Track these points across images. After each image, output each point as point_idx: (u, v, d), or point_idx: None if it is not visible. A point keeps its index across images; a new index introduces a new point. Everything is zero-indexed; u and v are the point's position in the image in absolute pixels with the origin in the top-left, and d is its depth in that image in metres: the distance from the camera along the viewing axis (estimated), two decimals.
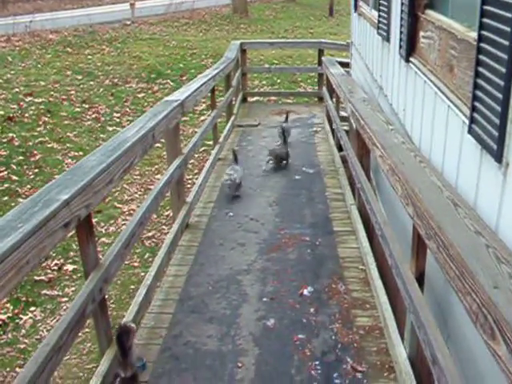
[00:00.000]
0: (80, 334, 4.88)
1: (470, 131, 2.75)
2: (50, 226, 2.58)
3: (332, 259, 4.96)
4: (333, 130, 8.34)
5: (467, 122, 2.81)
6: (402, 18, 4.66)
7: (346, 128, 7.01)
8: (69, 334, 2.82)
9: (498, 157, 2.40)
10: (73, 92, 12.51)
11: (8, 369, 4.78)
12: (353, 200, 5.90)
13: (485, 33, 2.56)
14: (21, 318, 5.50)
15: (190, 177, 8.69)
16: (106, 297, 3.54)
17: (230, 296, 4.41)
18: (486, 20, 2.56)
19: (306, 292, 4.36)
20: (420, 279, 3.07)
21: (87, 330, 5.05)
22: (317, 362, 3.56)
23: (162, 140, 5.78)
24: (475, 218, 2.54)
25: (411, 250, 3.14)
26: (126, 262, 6.10)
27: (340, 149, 7.35)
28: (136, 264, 6.47)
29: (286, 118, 8.67)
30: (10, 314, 5.53)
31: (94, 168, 3.23)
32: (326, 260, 4.96)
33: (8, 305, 5.65)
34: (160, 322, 4.08)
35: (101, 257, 3.38)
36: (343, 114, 7.52)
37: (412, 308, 2.96)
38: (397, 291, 3.47)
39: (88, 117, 11.37)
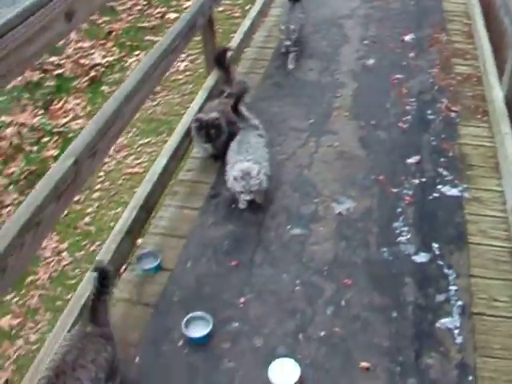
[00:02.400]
0: (180, 77, 5.24)
1: None
2: None
3: (436, 11, 4.89)
4: None
5: None
6: None
7: None
8: (181, 39, 3.11)
9: None
10: None
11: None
12: None
13: None
14: (126, 61, 5.87)
15: None
16: None
17: (331, 37, 4.51)
18: None
19: (407, 38, 4.40)
20: None
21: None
22: (412, 99, 3.76)
23: None
24: None
25: None
26: (227, 12, 6.16)
27: None
28: (237, 14, 6.50)
29: None
30: (116, 57, 5.92)
31: None
32: (429, 11, 4.90)
33: (114, 48, 5.99)
34: (263, 55, 4.34)
35: None
36: None
37: None
38: (502, 36, 3.48)
39: None
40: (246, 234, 2.87)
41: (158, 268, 2.72)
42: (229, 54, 3.69)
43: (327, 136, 3.47)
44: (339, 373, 2.26)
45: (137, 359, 2.37)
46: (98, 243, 3.60)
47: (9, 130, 5.22)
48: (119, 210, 3.94)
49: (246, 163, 2.82)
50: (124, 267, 2.80)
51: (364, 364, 2.30)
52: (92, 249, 3.75)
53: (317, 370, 2.27)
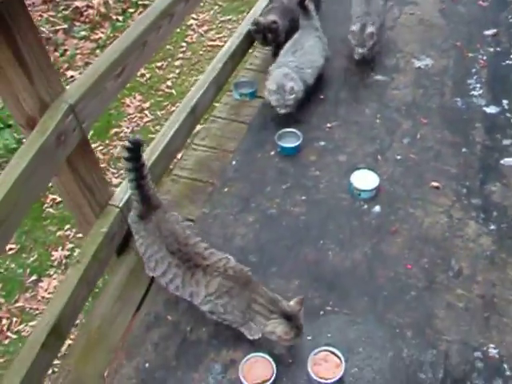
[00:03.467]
0: None
1: None
2: None
3: None
4: None
5: None
6: None
7: None
8: None
9: None
10: None
11: None
12: None
13: None
14: None
15: None
16: None
17: None
18: None
19: None
20: None
21: None
22: None
23: None
24: None
25: None
26: None
27: None
28: None
29: None
30: None
31: None
32: None
33: None
34: None
35: None
36: None
37: None
38: None
39: None
40: (333, 76, 3.17)
41: (254, 95, 3.05)
42: None
43: (409, 6, 3.70)
44: (413, 187, 2.59)
45: (233, 162, 2.73)
46: (178, 104, 3.80)
47: (96, 0, 5.50)
48: (200, 77, 4.27)
49: (282, 73, 2.77)
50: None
51: (434, 183, 2.62)
52: (172, 109, 4.09)
53: (393, 183, 2.60)
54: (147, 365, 2.05)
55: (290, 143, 2.75)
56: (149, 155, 2.44)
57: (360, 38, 3.05)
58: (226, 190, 2.59)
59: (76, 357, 2.13)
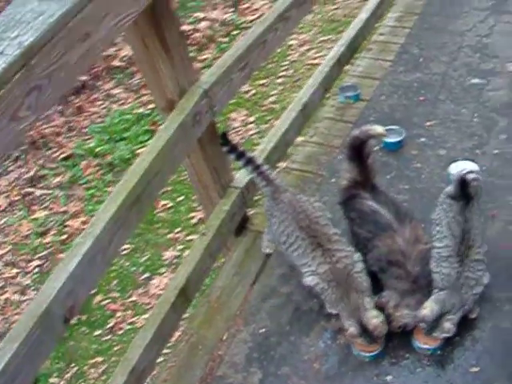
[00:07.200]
0: None
1: None
2: None
3: None
4: None
5: None
6: None
7: None
8: None
9: None
10: None
11: None
12: None
13: None
14: None
15: None
16: None
17: None
18: None
19: None
20: None
21: None
22: None
23: None
24: None
25: None
26: None
27: None
28: None
29: None
30: None
31: None
32: None
33: None
34: None
35: None
36: None
37: None
38: None
39: None
40: (431, 80, 3.41)
41: (357, 98, 3.34)
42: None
43: (506, 15, 3.87)
44: (510, 178, 2.75)
45: (339, 157, 3.01)
46: None
47: (202, 24, 5.99)
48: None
49: None
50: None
51: None
52: (275, 123, 4.42)
53: (491, 175, 2.77)
54: (263, 330, 2.32)
55: (393, 138, 2.99)
56: (265, 145, 2.78)
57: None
58: (333, 180, 2.87)
59: (198, 322, 2.45)
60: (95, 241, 1.74)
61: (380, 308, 2.12)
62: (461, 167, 2.70)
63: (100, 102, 5.22)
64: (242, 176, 2.66)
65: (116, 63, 5.58)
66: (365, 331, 2.04)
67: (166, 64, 2.06)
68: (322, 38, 5.34)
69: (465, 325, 2.13)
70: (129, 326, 3.22)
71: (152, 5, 1.86)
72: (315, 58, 5.15)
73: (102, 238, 1.77)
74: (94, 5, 1.56)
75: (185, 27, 5.65)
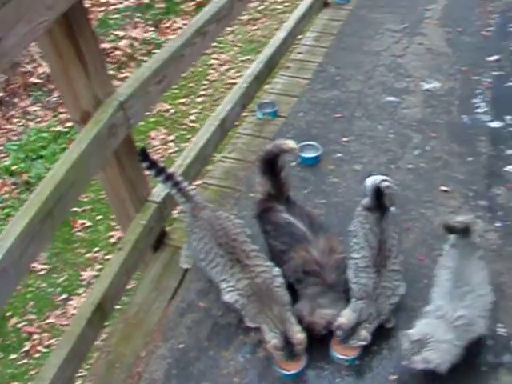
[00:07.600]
0: (279, 7, 5.76)
1: None
2: None
3: None
4: None
5: None
6: None
7: None
8: None
9: None
10: None
11: None
12: None
13: None
14: None
15: None
16: None
17: None
18: None
19: None
20: None
21: None
22: (496, 15, 4.23)
23: None
24: None
25: None
26: None
27: None
28: None
29: None
30: None
31: None
32: None
33: None
34: None
35: None
36: None
37: None
38: None
39: None
40: (348, 97, 3.47)
41: (275, 114, 3.34)
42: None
43: (418, 36, 4.02)
44: (423, 192, 2.83)
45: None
46: None
47: (123, 42, 5.92)
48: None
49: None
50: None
51: (443, 188, 2.85)
52: (193, 139, 4.39)
53: (405, 188, 2.84)
54: (181, 345, 2.25)
55: (310, 153, 3.01)
56: (182, 160, 2.72)
57: None
58: (251, 195, 2.84)
59: (115, 339, 2.35)
60: (6, 254, 1.63)
61: (299, 320, 2.08)
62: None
63: (16, 120, 5.01)
64: (159, 190, 2.60)
65: (34, 80, 5.39)
66: (287, 344, 2.00)
67: (81, 74, 1.97)
68: (241, 58, 5.38)
69: (382, 334, 2.14)
70: (46, 349, 3.08)
71: (66, 14, 1.78)
72: (235, 78, 5.18)
73: (13, 251, 1.66)
74: (5, 10, 1.49)
75: (105, 45, 5.58)
